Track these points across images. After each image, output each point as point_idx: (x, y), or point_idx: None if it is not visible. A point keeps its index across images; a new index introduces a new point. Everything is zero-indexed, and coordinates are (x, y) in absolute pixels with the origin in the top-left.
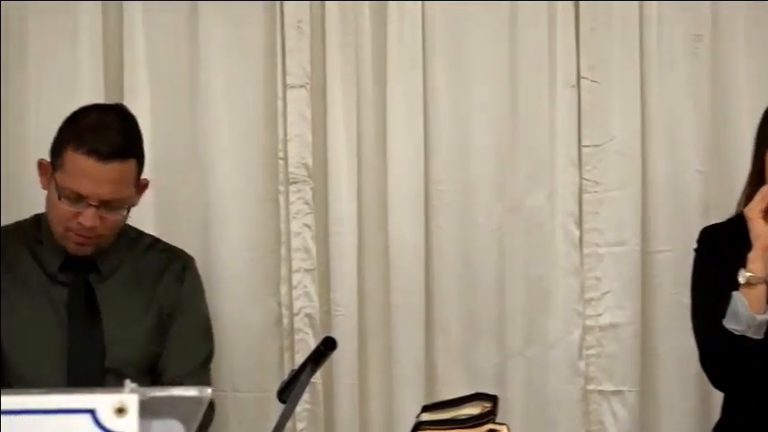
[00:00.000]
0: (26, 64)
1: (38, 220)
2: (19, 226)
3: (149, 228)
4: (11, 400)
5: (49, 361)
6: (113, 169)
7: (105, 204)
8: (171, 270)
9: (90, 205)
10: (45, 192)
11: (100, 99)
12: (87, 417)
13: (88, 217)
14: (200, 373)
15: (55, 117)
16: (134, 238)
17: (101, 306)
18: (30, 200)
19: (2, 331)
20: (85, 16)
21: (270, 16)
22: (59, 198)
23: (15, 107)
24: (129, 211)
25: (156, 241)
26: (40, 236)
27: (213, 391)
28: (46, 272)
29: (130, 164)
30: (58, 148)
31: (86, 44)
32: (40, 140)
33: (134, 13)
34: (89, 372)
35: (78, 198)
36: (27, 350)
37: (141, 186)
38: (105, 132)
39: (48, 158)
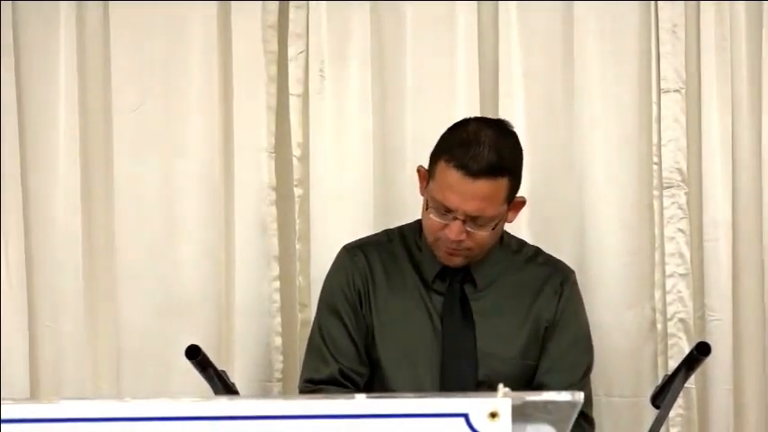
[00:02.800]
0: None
1: (419, 225)
2: (402, 229)
3: (523, 233)
4: (383, 404)
5: (422, 367)
6: (482, 186)
7: (472, 220)
8: (550, 284)
9: (456, 219)
10: None
11: (475, 102)
12: (461, 420)
13: (453, 230)
14: (579, 386)
15: (433, 122)
16: (515, 250)
17: (475, 318)
18: None
19: (376, 329)
20: (462, 16)
21: (644, 20)
22: (428, 208)
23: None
24: (498, 228)
25: (536, 254)
26: (420, 242)
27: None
28: (423, 279)
29: (501, 182)
30: (433, 158)
31: (462, 46)
32: (417, 144)
33: (509, 14)
34: (462, 383)
35: (446, 210)
36: (401, 353)
37: (517, 204)
38: (478, 148)
39: (426, 166)
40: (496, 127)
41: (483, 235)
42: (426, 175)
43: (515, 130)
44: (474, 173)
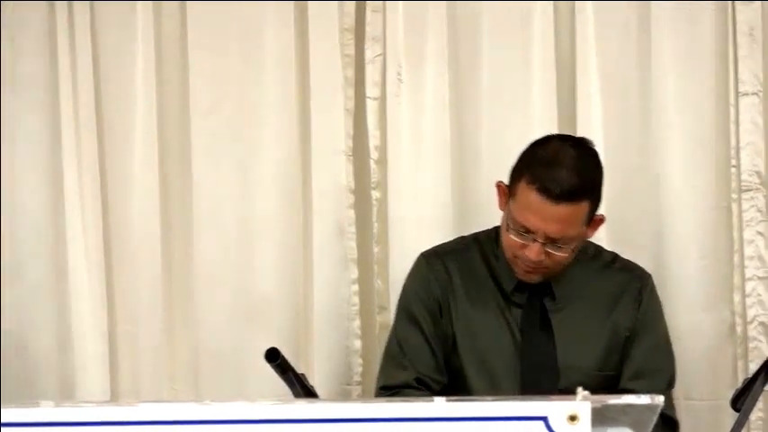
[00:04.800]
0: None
1: (497, 232)
2: (478, 236)
3: (601, 236)
4: (462, 407)
5: (502, 377)
6: (563, 210)
7: (552, 241)
8: (629, 291)
9: (536, 240)
10: None
11: (552, 103)
12: (540, 424)
13: (533, 251)
14: (665, 393)
15: (510, 124)
16: (592, 256)
17: (555, 331)
18: None
19: (457, 339)
20: (538, 16)
21: (721, 22)
22: (508, 227)
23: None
24: (577, 247)
25: (613, 260)
26: (497, 251)
27: None
28: (502, 290)
29: (582, 206)
30: (514, 176)
31: (539, 47)
32: (494, 146)
33: (585, 14)
34: (542, 394)
35: (525, 231)
36: (481, 364)
37: (596, 222)
38: (560, 171)
39: (506, 182)
40: (578, 147)
41: (562, 256)
42: (506, 191)
43: (591, 136)
44: (555, 197)
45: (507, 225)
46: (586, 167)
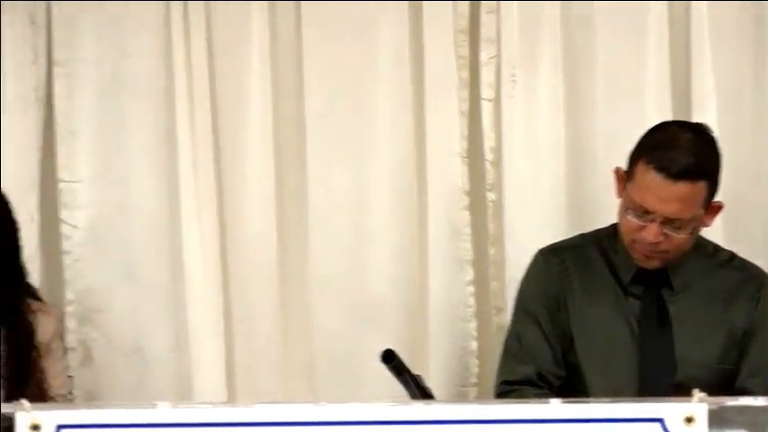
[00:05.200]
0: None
1: (615, 229)
2: (596, 233)
3: (718, 235)
4: (578, 409)
5: (620, 371)
6: (681, 189)
7: (669, 222)
8: (746, 290)
9: (654, 221)
10: None
11: (667, 102)
12: (656, 426)
13: (651, 232)
14: None
15: (624, 123)
16: (709, 253)
17: (672, 321)
18: None
19: (574, 334)
20: (652, 16)
21: None
22: (626, 210)
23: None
24: (695, 231)
25: (731, 258)
26: (616, 246)
27: None
28: (619, 282)
29: (700, 186)
30: (632, 159)
31: (653, 46)
32: (609, 146)
33: (700, 12)
34: (659, 387)
35: (643, 212)
36: (598, 358)
37: (714, 209)
38: (678, 151)
39: (624, 167)
40: (696, 131)
41: (680, 238)
42: (624, 177)
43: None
44: (674, 175)
45: (626, 207)
46: (704, 150)
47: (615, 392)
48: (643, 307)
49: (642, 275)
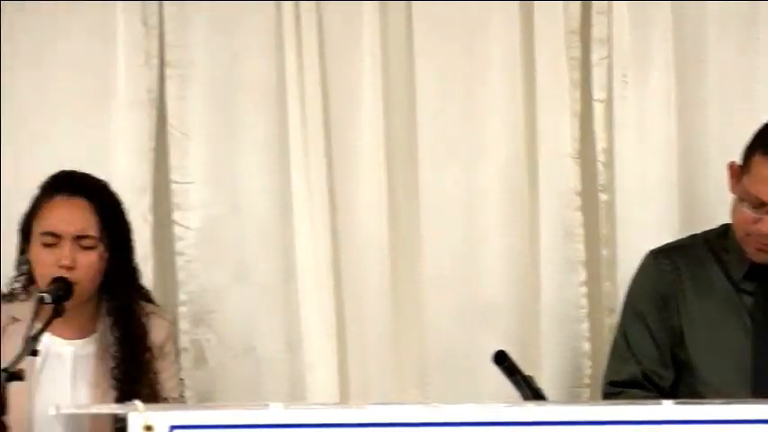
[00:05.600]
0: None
1: (726, 229)
2: (706, 234)
3: None
4: (691, 410)
5: (733, 368)
6: None
7: None
8: None
9: None
10: None
11: None
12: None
13: (766, 224)
14: None
15: (736, 123)
16: None
17: None
18: None
19: (685, 332)
20: (764, 15)
21: None
22: (741, 201)
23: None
24: None
25: None
26: (727, 244)
27: None
28: (731, 280)
29: None
30: (748, 152)
31: (765, 45)
32: (720, 145)
33: None
34: None
35: (759, 204)
36: (711, 355)
37: None
38: None
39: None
40: None
41: None
42: (738, 171)
43: None
44: None
45: (740, 201)
46: None
47: (728, 390)
48: (756, 302)
49: (754, 272)
